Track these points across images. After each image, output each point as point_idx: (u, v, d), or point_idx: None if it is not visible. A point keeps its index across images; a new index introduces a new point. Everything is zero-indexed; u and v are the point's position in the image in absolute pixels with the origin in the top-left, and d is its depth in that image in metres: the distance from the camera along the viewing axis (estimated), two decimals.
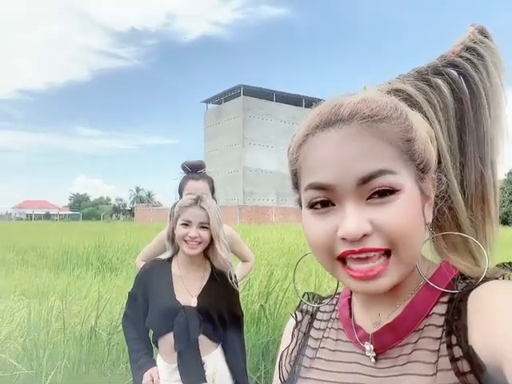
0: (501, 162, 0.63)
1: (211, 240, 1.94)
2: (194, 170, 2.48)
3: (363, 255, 0.54)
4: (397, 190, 0.53)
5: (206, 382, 1.83)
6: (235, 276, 2.02)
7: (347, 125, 0.55)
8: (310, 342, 0.71)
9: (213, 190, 2.49)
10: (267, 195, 53.68)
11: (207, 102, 63.87)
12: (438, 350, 0.54)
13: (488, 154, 0.62)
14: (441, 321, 0.56)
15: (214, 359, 1.90)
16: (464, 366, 0.50)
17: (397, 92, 0.62)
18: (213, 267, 2.00)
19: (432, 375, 0.52)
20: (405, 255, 0.54)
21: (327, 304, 0.74)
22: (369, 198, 0.54)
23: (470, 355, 0.49)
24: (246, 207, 40.75)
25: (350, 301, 0.69)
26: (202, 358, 1.87)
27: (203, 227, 1.91)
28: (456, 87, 0.63)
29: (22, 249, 11.17)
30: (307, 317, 0.75)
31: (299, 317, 0.76)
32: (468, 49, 0.63)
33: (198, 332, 1.86)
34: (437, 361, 0.53)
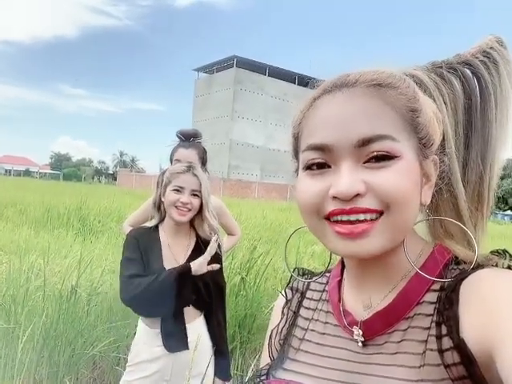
0: (499, 167, 0.64)
1: (198, 209, 1.94)
2: (186, 138, 2.45)
3: (353, 217, 0.53)
4: (395, 157, 0.53)
5: (188, 348, 1.85)
6: (220, 246, 2.01)
7: (353, 87, 0.55)
8: (300, 322, 0.71)
9: (203, 161, 2.46)
10: (252, 170, 53.54)
11: (198, 70, 62.53)
12: (426, 341, 0.53)
13: (489, 157, 0.62)
14: (430, 309, 0.56)
15: (196, 327, 1.92)
16: (454, 357, 0.50)
17: (409, 76, 0.62)
18: (198, 237, 2.00)
19: (419, 367, 0.52)
20: (395, 220, 0.53)
21: (318, 282, 0.74)
22: (366, 162, 0.54)
23: (460, 347, 0.49)
24: (230, 180, 40.61)
25: (340, 282, 0.68)
26: (186, 326, 1.89)
27: (194, 195, 1.91)
28: (468, 85, 0.64)
29: (2, 204, 10.98)
30: (297, 295, 0.75)
31: (289, 295, 0.76)
32: (484, 52, 0.64)
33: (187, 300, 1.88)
34: (424, 352, 0.53)
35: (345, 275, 0.68)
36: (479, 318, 0.49)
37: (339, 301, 0.66)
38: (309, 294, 0.73)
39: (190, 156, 2.38)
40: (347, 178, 0.53)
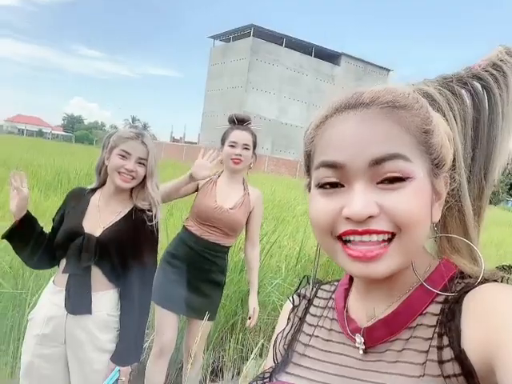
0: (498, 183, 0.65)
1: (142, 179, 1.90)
2: (240, 121, 2.56)
3: (366, 238, 0.54)
4: (408, 178, 0.53)
5: (90, 313, 1.78)
6: (156, 219, 1.90)
7: (367, 108, 0.56)
8: (305, 328, 0.72)
9: (255, 145, 2.55)
10: (263, 143, 53.07)
11: (215, 37, 61.45)
12: (427, 352, 0.54)
13: (492, 172, 0.63)
14: (433, 320, 0.57)
15: (103, 299, 1.83)
16: (455, 368, 0.50)
17: (420, 93, 0.62)
18: (134, 207, 1.91)
19: (419, 377, 0.53)
20: (407, 243, 0.54)
21: (325, 290, 0.75)
22: (379, 183, 0.54)
23: (461, 358, 0.50)
24: None
25: (346, 291, 0.69)
26: (91, 291, 1.80)
27: (140, 163, 1.85)
28: (477, 100, 0.64)
29: (13, 164, 11.04)
30: (304, 301, 0.76)
31: (296, 301, 0.77)
32: (494, 65, 0.64)
33: (90, 261, 1.79)
34: (425, 362, 0.54)
35: (352, 284, 0.69)
36: (480, 332, 0.49)
37: (344, 308, 0.67)
38: (316, 301, 0.75)
39: (246, 138, 2.49)
40: (360, 199, 0.53)
